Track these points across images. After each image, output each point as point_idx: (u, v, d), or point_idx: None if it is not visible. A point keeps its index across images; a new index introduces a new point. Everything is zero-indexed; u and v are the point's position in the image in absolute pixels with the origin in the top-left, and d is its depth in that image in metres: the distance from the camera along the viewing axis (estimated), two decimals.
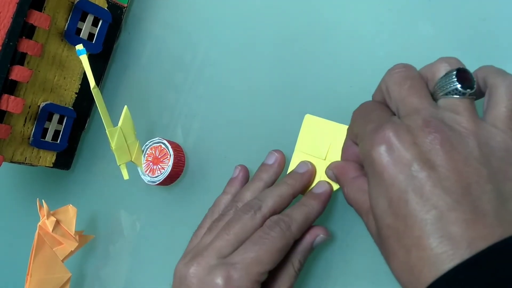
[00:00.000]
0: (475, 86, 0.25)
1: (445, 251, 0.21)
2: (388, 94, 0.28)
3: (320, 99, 0.38)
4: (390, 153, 0.24)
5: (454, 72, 0.25)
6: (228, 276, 0.29)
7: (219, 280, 0.29)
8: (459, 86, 0.25)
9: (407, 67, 0.28)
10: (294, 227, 0.31)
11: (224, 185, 0.38)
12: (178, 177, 0.44)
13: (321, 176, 0.35)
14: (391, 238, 0.24)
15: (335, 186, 0.34)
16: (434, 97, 0.26)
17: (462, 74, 0.25)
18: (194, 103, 0.45)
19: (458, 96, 0.25)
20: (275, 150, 0.37)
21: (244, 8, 0.44)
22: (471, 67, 0.32)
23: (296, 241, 0.32)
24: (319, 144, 0.35)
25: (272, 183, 0.35)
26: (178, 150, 0.43)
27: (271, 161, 0.36)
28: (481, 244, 0.21)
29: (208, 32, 0.46)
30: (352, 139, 0.31)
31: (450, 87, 0.25)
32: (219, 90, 0.44)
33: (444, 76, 0.26)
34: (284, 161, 0.36)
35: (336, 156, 0.35)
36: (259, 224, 0.32)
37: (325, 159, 0.35)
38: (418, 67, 0.34)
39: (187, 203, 0.44)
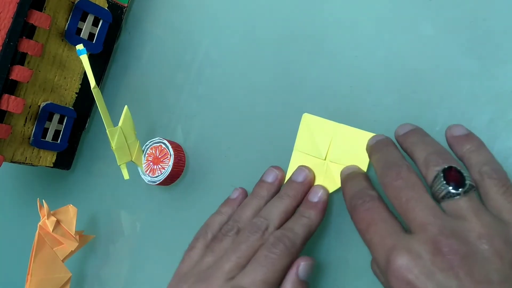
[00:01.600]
0: (467, 181, 0.24)
1: None
2: (389, 199, 0.27)
3: (320, 99, 0.38)
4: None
5: (442, 175, 0.25)
6: None
7: None
8: (450, 188, 0.24)
9: (399, 172, 0.26)
10: (298, 242, 0.31)
11: (225, 185, 0.38)
12: (179, 177, 0.44)
13: (320, 176, 0.35)
14: None
15: (331, 189, 0.34)
16: (435, 199, 0.25)
17: (450, 174, 0.24)
18: (195, 103, 0.45)
19: (456, 198, 0.24)
20: (275, 167, 0.36)
21: (244, 8, 0.44)
22: (471, 67, 0.32)
23: (283, 280, 0.31)
24: (318, 143, 0.35)
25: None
26: (179, 150, 0.43)
27: (270, 179, 0.35)
28: None
29: (209, 32, 0.46)
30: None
31: (443, 191, 0.25)
32: (220, 90, 0.44)
33: (434, 180, 0.25)
34: (284, 178, 0.36)
35: (335, 156, 0.35)
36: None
37: (325, 159, 0.35)
38: (418, 66, 0.34)
39: (188, 203, 0.44)
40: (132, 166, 0.43)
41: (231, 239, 0.32)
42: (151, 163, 0.43)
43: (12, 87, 0.43)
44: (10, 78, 0.41)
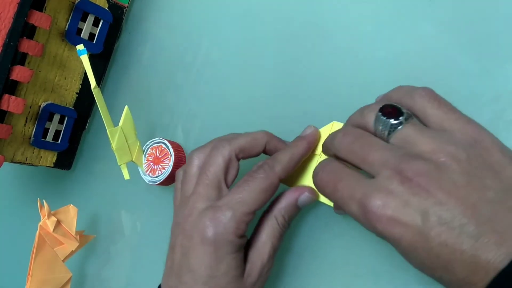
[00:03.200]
0: (403, 110, 0.26)
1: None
2: (347, 160, 0.27)
3: (321, 98, 0.38)
4: (393, 227, 0.23)
5: (379, 113, 0.26)
6: (215, 217, 0.30)
7: (207, 221, 0.30)
8: (392, 121, 0.25)
9: (345, 131, 0.28)
10: (277, 167, 0.32)
11: None
12: None
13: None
14: (442, 282, 0.24)
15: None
16: (385, 140, 0.26)
17: (386, 110, 0.26)
18: (195, 103, 0.45)
19: (398, 129, 0.25)
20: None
21: (244, 8, 0.44)
22: (471, 68, 0.32)
23: (281, 197, 0.33)
24: None
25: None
26: (179, 150, 0.43)
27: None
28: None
29: (209, 32, 0.46)
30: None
31: (386, 126, 0.26)
32: (220, 90, 0.44)
33: (375, 122, 0.26)
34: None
35: None
36: None
37: (320, 155, 0.35)
38: (418, 66, 0.34)
39: None
40: (133, 166, 0.43)
41: None
42: (152, 163, 0.43)
43: (12, 87, 0.43)
44: (11, 78, 0.41)
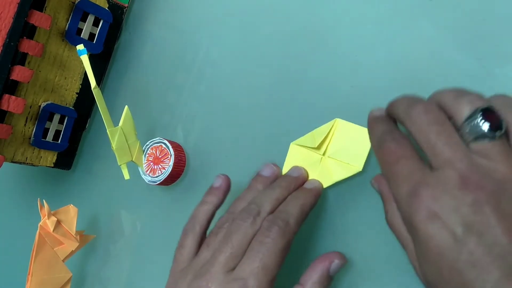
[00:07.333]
0: (503, 125, 0.23)
1: None
2: (412, 135, 0.26)
3: (321, 98, 0.38)
4: (433, 222, 0.22)
5: (480, 114, 0.23)
6: None
7: None
8: (486, 130, 0.23)
9: (428, 107, 0.25)
10: (292, 222, 0.30)
11: None
12: (179, 177, 0.44)
13: (316, 170, 0.35)
14: None
15: (326, 183, 0.34)
16: (463, 140, 0.24)
17: (488, 115, 0.23)
18: (195, 103, 0.45)
19: (488, 140, 0.23)
20: (273, 163, 0.36)
21: (245, 8, 0.44)
22: (472, 67, 0.32)
23: (309, 268, 0.31)
24: (317, 139, 0.35)
25: None
26: (179, 150, 0.43)
27: (266, 173, 0.35)
28: None
29: (209, 32, 0.46)
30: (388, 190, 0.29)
31: (477, 131, 0.23)
32: (220, 89, 0.44)
33: (469, 118, 0.24)
34: (280, 174, 0.36)
35: (334, 151, 0.35)
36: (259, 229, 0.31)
37: (323, 154, 0.35)
38: (418, 66, 0.34)
39: (188, 203, 0.44)
40: (133, 166, 0.43)
41: (225, 230, 0.32)
42: (152, 163, 0.43)
43: (12, 87, 0.43)
44: (11, 78, 0.41)
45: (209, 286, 0.29)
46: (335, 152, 0.34)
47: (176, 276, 0.32)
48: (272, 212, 0.31)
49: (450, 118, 0.25)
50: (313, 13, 0.40)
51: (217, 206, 0.35)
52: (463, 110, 0.24)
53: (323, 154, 0.35)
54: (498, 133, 0.23)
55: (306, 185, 0.34)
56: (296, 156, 0.36)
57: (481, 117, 0.23)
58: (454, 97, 0.25)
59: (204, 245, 0.32)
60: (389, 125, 0.29)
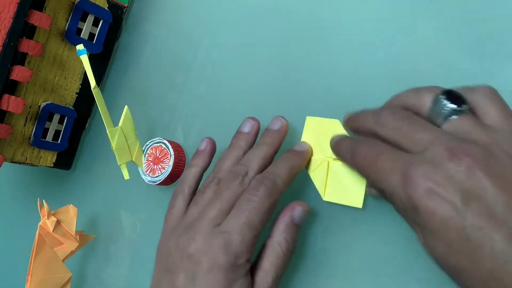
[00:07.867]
0: (467, 101, 0.25)
1: None
2: (386, 137, 0.27)
3: (321, 99, 0.38)
4: (431, 198, 0.23)
5: (444, 96, 0.25)
6: (226, 244, 0.29)
7: (217, 249, 0.29)
8: (455, 106, 0.25)
9: (393, 109, 0.27)
10: (279, 182, 0.31)
11: None
12: (179, 177, 0.44)
13: (325, 174, 0.35)
14: (462, 277, 0.23)
15: (335, 186, 0.34)
16: (436, 125, 0.25)
17: (450, 94, 0.25)
18: (195, 103, 0.45)
19: (457, 116, 0.25)
20: (251, 117, 0.37)
21: (245, 8, 0.44)
22: (472, 68, 0.32)
23: (276, 220, 0.32)
24: (322, 143, 0.35)
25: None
26: (179, 150, 0.43)
27: (247, 129, 0.36)
28: None
29: (209, 32, 0.46)
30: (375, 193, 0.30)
31: (446, 110, 0.25)
32: (220, 89, 0.44)
33: (434, 103, 0.25)
34: (259, 128, 0.36)
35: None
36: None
37: (330, 157, 0.35)
38: (418, 67, 0.34)
39: None
40: (133, 166, 0.43)
41: (213, 189, 0.33)
42: (151, 163, 0.43)
43: (12, 87, 0.43)
44: (11, 78, 0.41)
45: (195, 238, 0.30)
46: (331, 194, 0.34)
47: (167, 233, 0.34)
48: (259, 171, 0.33)
49: (416, 114, 0.26)
50: (313, 13, 0.40)
51: (204, 168, 0.37)
52: (426, 100, 0.26)
53: (330, 157, 0.35)
54: (464, 107, 0.25)
55: (296, 148, 0.35)
56: (314, 128, 0.36)
57: (444, 99, 0.25)
58: (413, 93, 0.27)
59: (192, 203, 0.34)
60: (353, 138, 0.30)
